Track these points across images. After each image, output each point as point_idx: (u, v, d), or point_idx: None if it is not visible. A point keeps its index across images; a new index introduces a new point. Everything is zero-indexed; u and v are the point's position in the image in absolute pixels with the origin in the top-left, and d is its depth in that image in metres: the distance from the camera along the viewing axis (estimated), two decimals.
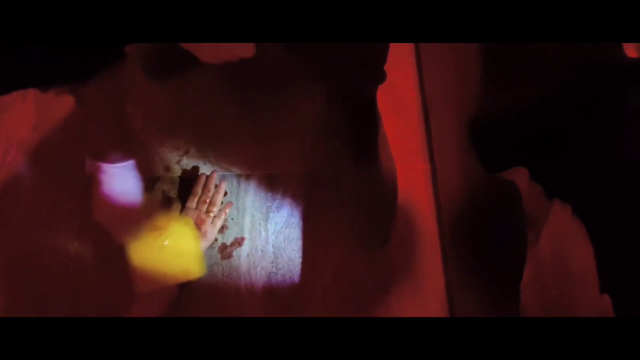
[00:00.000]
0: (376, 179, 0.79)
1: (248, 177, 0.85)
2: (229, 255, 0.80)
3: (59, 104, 0.90)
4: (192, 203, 0.79)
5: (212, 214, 0.79)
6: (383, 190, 0.80)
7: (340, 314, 0.76)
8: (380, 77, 0.69)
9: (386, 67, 0.67)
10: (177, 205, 0.79)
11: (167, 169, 0.85)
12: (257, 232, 0.82)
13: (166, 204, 0.80)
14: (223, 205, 0.82)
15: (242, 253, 0.81)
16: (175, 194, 0.84)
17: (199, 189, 0.81)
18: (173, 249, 0.70)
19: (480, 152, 0.76)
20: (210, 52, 0.53)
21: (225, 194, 0.83)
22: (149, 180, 0.83)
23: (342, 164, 0.81)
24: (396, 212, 0.80)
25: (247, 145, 0.86)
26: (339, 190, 0.82)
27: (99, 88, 0.61)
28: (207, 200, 0.80)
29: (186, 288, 0.75)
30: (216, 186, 0.82)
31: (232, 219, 0.82)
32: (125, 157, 0.70)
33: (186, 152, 0.86)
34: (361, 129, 0.77)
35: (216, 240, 0.81)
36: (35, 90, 0.86)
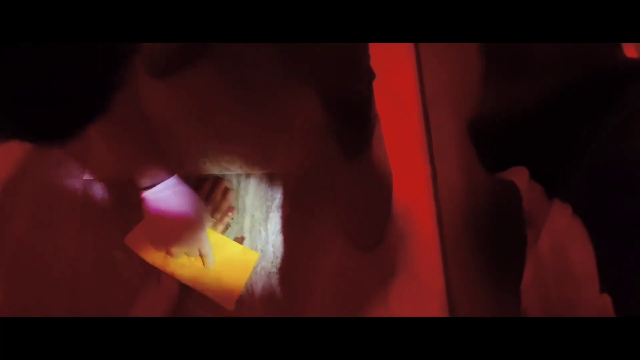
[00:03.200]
0: (369, 181, 0.79)
1: (247, 176, 0.85)
2: None
3: None
4: None
5: (214, 219, 0.79)
6: (376, 191, 0.80)
7: (340, 314, 0.76)
8: (370, 74, 0.68)
9: (386, 67, 0.67)
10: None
11: None
12: (257, 232, 0.81)
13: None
14: (225, 209, 0.81)
15: None
16: None
17: (202, 195, 0.80)
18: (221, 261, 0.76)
19: (480, 152, 0.76)
20: None
21: (229, 190, 0.83)
22: None
23: (336, 164, 0.80)
24: (390, 214, 0.80)
25: (247, 144, 0.86)
26: (334, 191, 0.81)
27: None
28: (211, 205, 0.79)
29: (186, 288, 0.75)
30: (223, 193, 0.82)
31: (232, 218, 0.82)
32: (164, 174, 0.68)
33: (185, 152, 0.86)
34: (354, 129, 0.77)
35: None
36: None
